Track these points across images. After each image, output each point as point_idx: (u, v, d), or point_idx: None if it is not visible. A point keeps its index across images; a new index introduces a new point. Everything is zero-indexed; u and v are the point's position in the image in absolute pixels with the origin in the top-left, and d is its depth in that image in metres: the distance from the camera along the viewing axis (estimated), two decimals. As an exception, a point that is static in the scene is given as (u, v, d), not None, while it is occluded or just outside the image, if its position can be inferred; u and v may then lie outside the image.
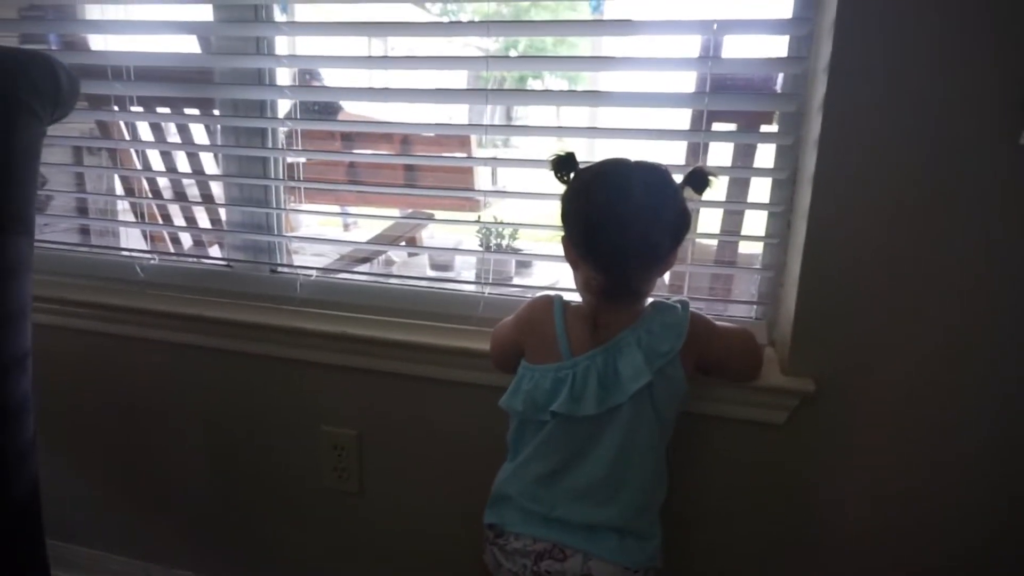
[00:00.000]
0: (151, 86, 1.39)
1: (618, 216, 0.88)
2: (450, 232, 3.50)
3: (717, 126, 1.24)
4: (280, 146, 1.36)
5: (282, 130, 1.36)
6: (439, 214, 2.48)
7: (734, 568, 1.19)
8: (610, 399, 0.91)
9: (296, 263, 1.39)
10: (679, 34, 1.11)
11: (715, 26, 1.05)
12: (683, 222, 0.92)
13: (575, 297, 1.01)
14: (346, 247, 2.06)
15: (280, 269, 1.36)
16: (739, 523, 1.16)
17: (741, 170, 1.26)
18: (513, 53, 1.97)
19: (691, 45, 1.15)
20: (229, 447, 1.40)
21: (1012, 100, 0.89)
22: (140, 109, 1.43)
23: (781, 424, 1.08)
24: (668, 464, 1.00)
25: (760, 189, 1.17)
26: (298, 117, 1.35)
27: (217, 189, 1.79)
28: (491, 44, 1.22)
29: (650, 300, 0.98)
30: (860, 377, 1.03)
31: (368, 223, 3.04)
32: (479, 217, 1.38)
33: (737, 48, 1.12)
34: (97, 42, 1.52)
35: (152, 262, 1.41)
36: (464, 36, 1.32)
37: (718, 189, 1.03)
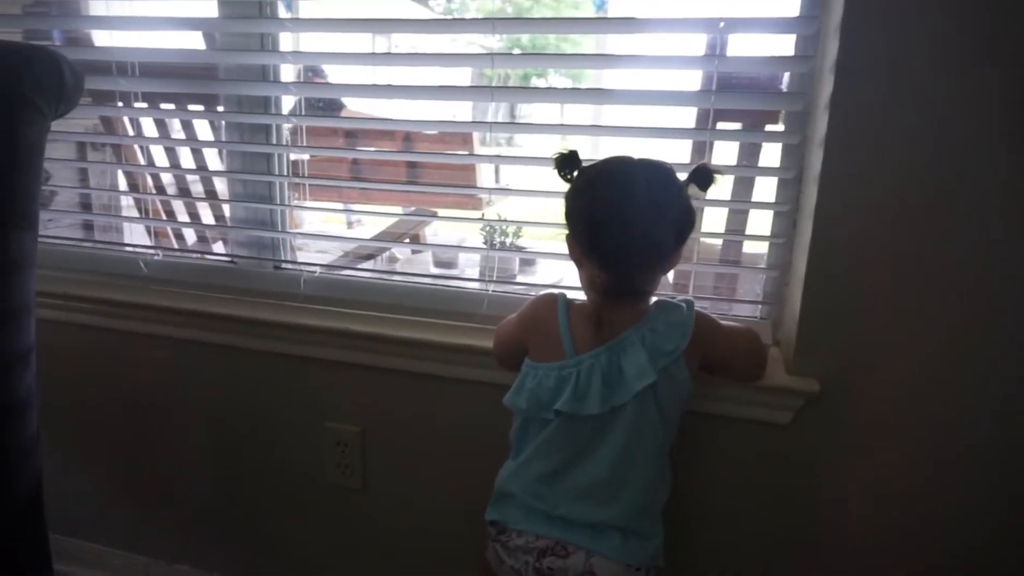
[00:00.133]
0: (155, 82, 1.39)
1: (622, 214, 0.88)
2: (454, 230, 3.49)
3: (722, 125, 1.23)
4: (284, 142, 1.36)
5: (286, 126, 1.36)
6: (443, 212, 2.48)
7: (737, 567, 1.19)
8: (614, 398, 0.91)
9: (300, 260, 1.38)
10: (684, 32, 1.10)
11: (721, 24, 1.04)
12: (687, 220, 0.92)
13: (579, 295, 1.00)
14: (350, 244, 2.06)
15: (284, 265, 1.36)
16: (743, 522, 1.16)
17: (746, 169, 1.26)
18: (517, 51, 1.97)
19: (696, 43, 1.15)
20: (232, 443, 1.40)
21: (1016, 99, 0.88)
22: (144, 105, 1.43)
23: (786, 424, 1.07)
24: (672, 463, 1.00)
25: (766, 188, 1.17)
26: (302, 114, 1.35)
27: (221, 185, 1.79)
28: (495, 42, 1.21)
29: (654, 299, 0.98)
30: (864, 377, 1.03)
31: (372, 221, 3.04)
32: (483, 215, 1.38)
33: (743, 47, 1.11)
34: (101, 38, 1.52)
35: (156, 258, 1.41)
36: (468, 33, 1.32)
37: (723, 188, 1.03)
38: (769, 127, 1.29)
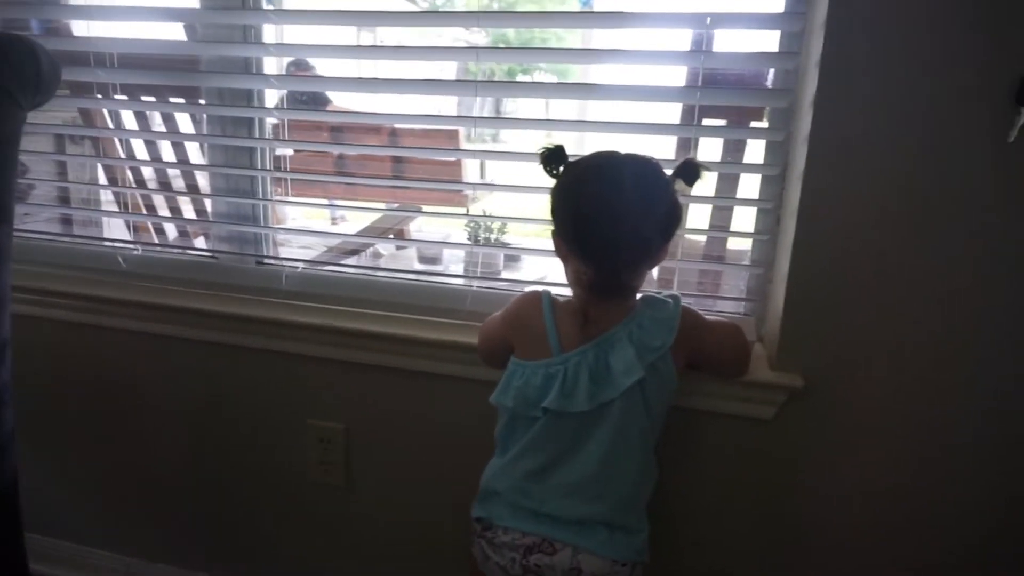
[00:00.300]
0: (135, 74, 1.37)
1: (609, 209, 0.88)
2: (439, 225, 3.48)
3: (707, 121, 1.23)
4: (267, 136, 1.35)
5: (269, 121, 1.34)
6: (427, 207, 2.47)
7: (723, 561, 1.19)
8: (602, 395, 0.91)
9: (282, 255, 1.37)
10: (670, 27, 1.11)
11: (708, 20, 1.04)
12: (674, 215, 0.91)
13: (564, 292, 1.00)
14: (333, 239, 2.04)
15: (266, 261, 1.35)
16: (727, 518, 1.17)
17: (731, 166, 1.26)
18: (502, 46, 1.96)
19: (682, 39, 1.15)
20: (214, 440, 1.39)
21: (1001, 98, 0.89)
22: (124, 97, 1.41)
23: (769, 419, 1.08)
24: (657, 458, 1.00)
25: (750, 185, 1.17)
26: (285, 107, 1.34)
27: (203, 179, 1.77)
28: (480, 37, 1.21)
29: (640, 295, 0.98)
30: (848, 373, 1.04)
31: (356, 216, 3.02)
32: (467, 210, 1.37)
33: (729, 42, 1.12)
34: (80, 28, 1.49)
35: (135, 253, 1.39)
36: (452, 27, 1.31)
37: (708, 184, 1.03)
38: (754, 124, 1.29)
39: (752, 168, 1.15)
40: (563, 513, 0.95)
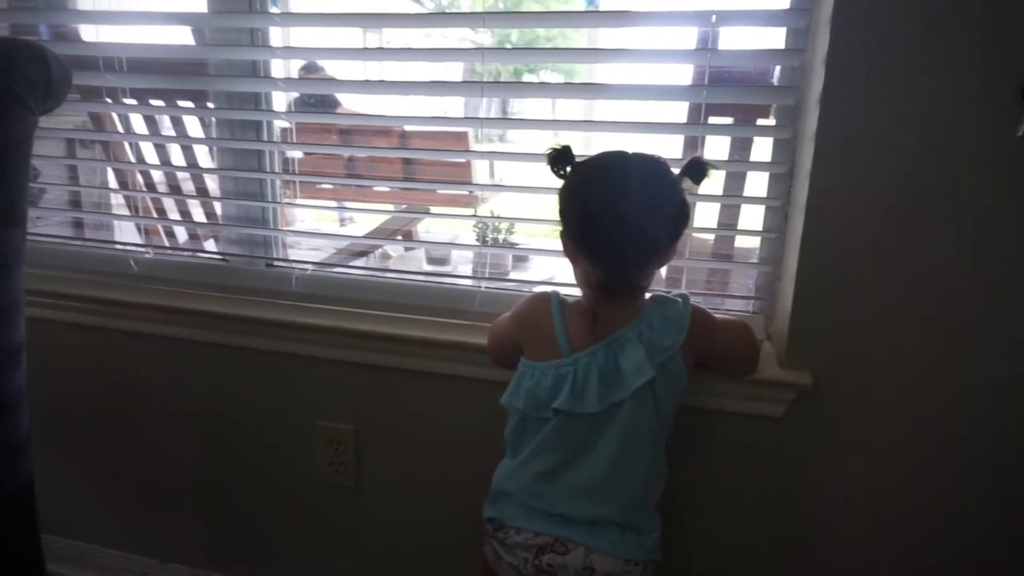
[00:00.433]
0: (144, 78, 1.38)
1: (617, 210, 0.88)
2: (447, 226, 3.49)
3: (714, 120, 1.23)
4: (276, 139, 1.35)
5: (278, 124, 1.35)
6: (436, 209, 2.47)
7: (731, 560, 1.19)
8: (612, 395, 0.91)
9: (292, 257, 1.38)
10: (676, 25, 1.10)
11: (713, 18, 1.04)
12: (682, 214, 0.91)
13: (573, 292, 1.00)
14: (342, 241, 2.05)
15: (276, 263, 1.36)
16: (737, 516, 1.16)
17: (738, 164, 1.26)
18: (508, 47, 1.96)
19: (688, 37, 1.15)
20: (225, 442, 1.39)
21: (1008, 93, 0.88)
22: (134, 101, 1.42)
23: (779, 417, 1.08)
24: (667, 457, 1.00)
25: (758, 183, 1.17)
26: (293, 110, 1.34)
27: (212, 183, 1.78)
28: (486, 38, 1.21)
29: (649, 294, 0.98)
30: (857, 370, 1.03)
31: (364, 218, 3.03)
32: (475, 211, 1.37)
33: (734, 40, 1.11)
34: (89, 33, 1.51)
35: (147, 256, 1.40)
36: (459, 28, 1.31)
37: (715, 183, 1.03)
38: (760, 121, 1.29)
39: (759, 166, 1.15)
40: (575, 513, 0.95)
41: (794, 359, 1.04)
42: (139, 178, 1.81)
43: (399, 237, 2.40)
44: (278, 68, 1.32)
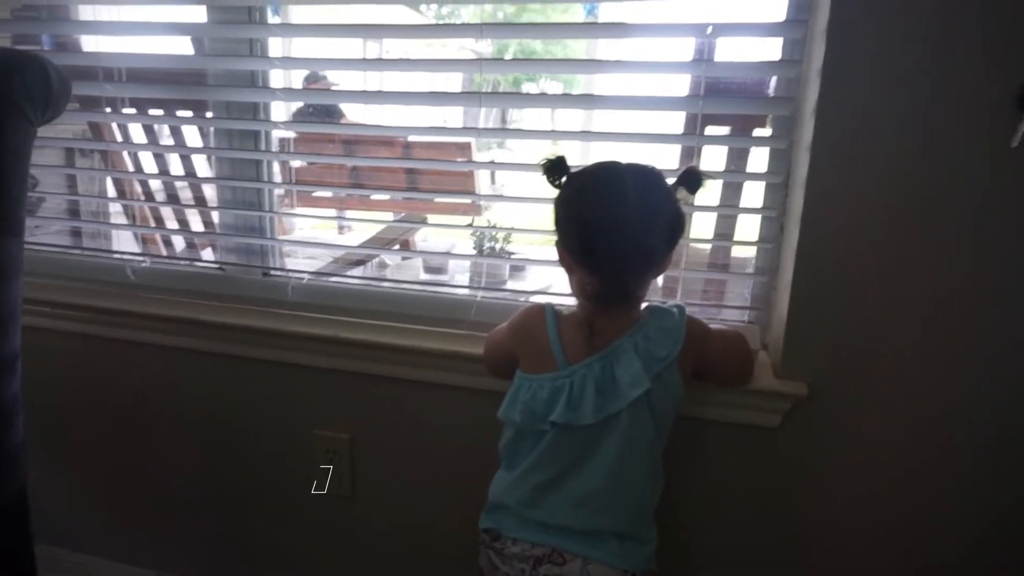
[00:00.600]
0: (142, 87, 1.38)
1: (612, 220, 0.88)
2: (445, 235, 3.49)
3: (711, 130, 1.24)
4: (274, 149, 1.36)
5: (276, 133, 1.35)
6: (433, 218, 2.47)
7: (729, 569, 1.19)
8: (609, 407, 0.91)
9: (289, 266, 1.38)
10: (673, 37, 1.11)
11: (709, 29, 1.05)
12: (677, 224, 0.92)
13: (569, 302, 1.00)
14: (339, 250, 2.05)
15: (272, 272, 1.36)
16: (734, 526, 1.16)
17: (735, 174, 1.26)
18: (507, 57, 1.97)
19: (685, 48, 1.15)
20: (221, 452, 1.39)
21: (1003, 103, 0.89)
22: (133, 111, 1.42)
23: (775, 427, 1.08)
24: (663, 467, 1.00)
25: (754, 193, 1.17)
26: (291, 120, 1.35)
27: (210, 192, 1.79)
28: (485, 48, 1.22)
29: (645, 304, 0.98)
30: (853, 379, 1.03)
31: (363, 226, 3.03)
32: (472, 221, 1.38)
33: (731, 51, 1.12)
34: (90, 43, 1.52)
35: (143, 265, 1.40)
36: (457, 39, 1.32)
37: (712, 193, 1.03)
38: (757, 132, 1.29)
39: (756, 176, 1.16)
40: (573, 524, 0.94)
41: (790, 369, 1.04)
42: (137, 187, 1.81)
43: (396, 246, 2.40)
44: (277, 78, 1.32)
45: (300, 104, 1.70)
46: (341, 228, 3.24)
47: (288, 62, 1.31)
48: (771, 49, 1.10)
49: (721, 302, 1.27)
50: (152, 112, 1.69)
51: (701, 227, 1.28)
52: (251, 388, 1.32)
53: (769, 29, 1.08)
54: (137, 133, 1.77)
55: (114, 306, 1.33)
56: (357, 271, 1.88)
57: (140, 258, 1.42)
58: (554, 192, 0.95)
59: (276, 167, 1.37)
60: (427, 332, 1.22)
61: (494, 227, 1.84)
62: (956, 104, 0.91)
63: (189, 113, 1.68)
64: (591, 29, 1.36)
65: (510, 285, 2.46)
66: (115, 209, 1.69)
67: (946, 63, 0.90)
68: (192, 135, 1.79)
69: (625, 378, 0.91)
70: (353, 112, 2.27)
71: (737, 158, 1.31)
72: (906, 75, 0.91)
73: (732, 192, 1.29)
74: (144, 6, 1.35)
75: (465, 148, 2.06)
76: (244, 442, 1.37)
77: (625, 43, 1.13)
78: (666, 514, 1.01)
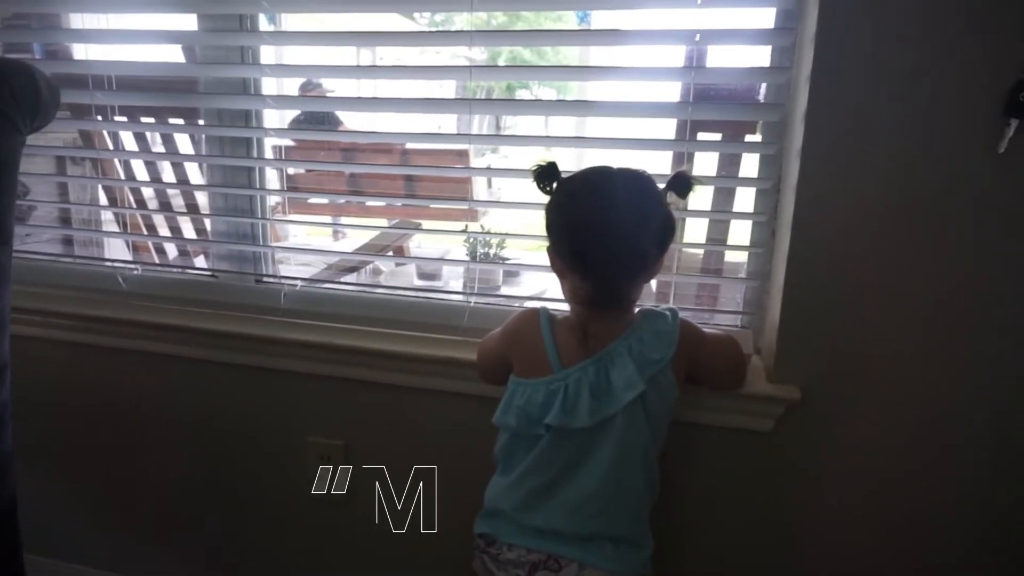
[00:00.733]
0: (132, 95, 1.38)
1: (603, 225, 0.88)
2: (439, 241, 3.49)
3: (702, 136, 1.24)
4: (266, 156, 1.36)
5: (269, 140, 1.35)
6: (427, 224, 2.47)
7: (725, 575, 1.19)
8: (603, 410, 0.91)
9: (282, 273, 1.38)
10: (664, 44, 1.11)
11: (697, 37, 1.05)
12: (669, 227, 0.92)
13: (562, 307, 1.00)
14: (332, 257, 2.05)
15: (265, 279, 1.35)
16: (729, 530, 1.16)
17: (726, 179, 1.26)
18: (500, 63, 1.98)
19: (676, 55, 1.16)
20: (214, 459, 1.38)
21: (991, 109, 0.89)
22: (124, 119, 1.42)
23: (768, 431, 1.08)
24: (659, 471, 1.00)
25: (746, 198, 1.18)
26: (284, 128, 1.35)
27: (202, 199, 1.79)
28: (478, 55, 1.22)
29: (638, 308, 0.98)
30: (846, 382, 1.04)
31: (357, 233, 3.03)
32: (466, 227, 1.37)
33: (721, 58, 1.12)
34: (80, 51, 1.51)
35: (135, 273, 1.39)
36: (448, 46, 1.32)
37: (703, 198, 1.03)
38: (748, 138, 1.30)
39: (747, 181, 1.16)
40: (569, 529, 0.94)
41: (783, 373, 1.05)
42: (129, 195, 1.81)
43: (390, 252, 2.40)
44: (269, 85, 1.32)
45: (297, 112, 1.70)
46: (336, 235, 3.24)
47: (279, 69, 1.31)
48: (761, 56, 1.10)
49: (714, 307, 1.27)
50: (144, 120, 1.68)
51: (694, 232, 1.28)
52: (244, 396, 1.32)
53: (758, 36, 1.08)
54: (128, 141, 1.76)
55: (106, 314, 1.32)
56: (351, 277, 1.88)
57: (132, 266, 1.41)
58: (547, 198, 0.95)
59: (271, 174, 1.36)
60: (421, 338, 1.22)
61: (487, 233, 1.85)
62: (944, 109, 0.91)
63: (181, 121, 1.68)
64: (581, 36, 1.37)
65: (504, 291, 2.46)
66: (107, 217, 1.69)
67: (934, 68, 0.90)
68: (184, 142, 1.79)
69: (620, 381, 0.91)
70: (349, 120, 2.27)
71: (729, 164, 1.31)
72: (894, 81, 0.92)
73: (724, 197, 1.29)
74: (135, 14, 1.34)
75: (463, 155, 2.06)
76: (238, 450, 1.36)
77: (617, 50, 1.14)
78: (659, 518, 1.01)
